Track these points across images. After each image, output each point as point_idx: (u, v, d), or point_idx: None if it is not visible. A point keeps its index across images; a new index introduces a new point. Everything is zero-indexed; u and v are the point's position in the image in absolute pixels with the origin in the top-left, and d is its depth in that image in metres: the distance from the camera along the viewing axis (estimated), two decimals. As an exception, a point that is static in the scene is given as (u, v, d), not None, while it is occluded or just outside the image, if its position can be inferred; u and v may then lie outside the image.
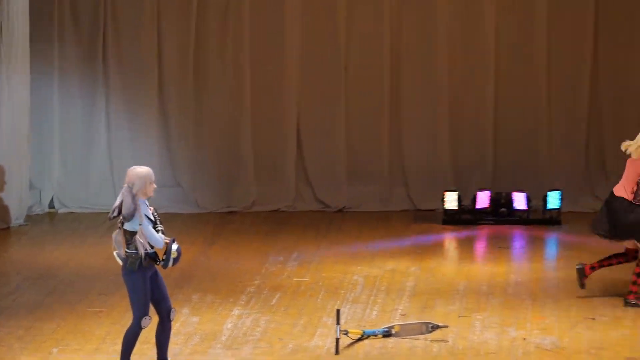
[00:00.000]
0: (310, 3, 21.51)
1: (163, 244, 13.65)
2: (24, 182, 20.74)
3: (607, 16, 21.69)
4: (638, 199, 16.53)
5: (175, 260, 13.67)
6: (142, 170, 13.79)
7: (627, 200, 16.55)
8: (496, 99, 21.74)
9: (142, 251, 13.54)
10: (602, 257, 17.17)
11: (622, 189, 16.62)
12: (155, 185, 13.72)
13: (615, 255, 17.08)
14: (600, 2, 21.71)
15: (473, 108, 21.88)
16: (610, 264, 17.10)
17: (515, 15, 21.95)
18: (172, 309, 13.85)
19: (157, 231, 13.69)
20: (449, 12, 21.64)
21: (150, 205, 13.89)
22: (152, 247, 13.59)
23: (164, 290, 13.81)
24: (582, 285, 17.14)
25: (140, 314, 13.63)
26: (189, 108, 21.71)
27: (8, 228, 20.42)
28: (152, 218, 13.67)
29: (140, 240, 13.57)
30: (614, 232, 16.84)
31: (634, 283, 16.77)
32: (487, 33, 21.74)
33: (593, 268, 16.87)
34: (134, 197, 13.65)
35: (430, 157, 21.82)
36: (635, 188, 16.49)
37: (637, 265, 16.76)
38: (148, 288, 13.72)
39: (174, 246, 13.64)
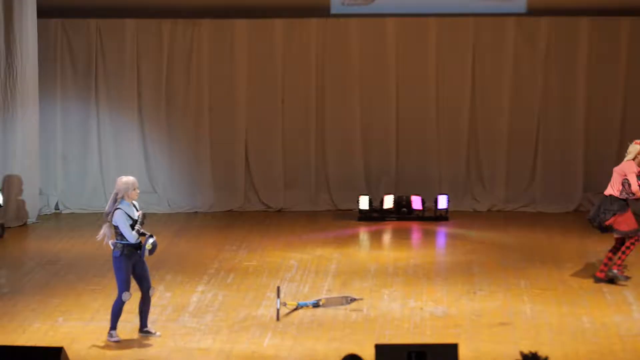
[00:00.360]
0: (254, 53, 21.66)
1: (134, 239, 14.16)
2: (35, 190, 20.87)
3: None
4: (622, 194, 16.75)
5: (151, 251, 14.21)
6: (127, 179, 14.40)
7: (613, 195, 16.80)
8: (397, 120, 21.85)
9: (135, 239, 14.25)
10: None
11: (611, 189, 16.90)
12: (138, 191, 14.41)
13: (610, 251, 17.17)
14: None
15: (380, 129, 21.92)
16: (610, 259, 17.02)
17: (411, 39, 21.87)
18: (152, 288, 14.50)
19: (134, 229, 14.16)
20: (359, 54, 21.81)
21: (141, 209, 14.53)
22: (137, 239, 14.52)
23: (146, 273, 14.41)
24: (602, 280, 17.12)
25: (121, 290, 14.22)
26: (162, 130, 21.81)
27: (24, 224, 20.67)
28: (135, 218, 14.51)
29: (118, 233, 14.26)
30: (602, 217, 17.00)
31: (605, 264, 17.03)
32: (389, 63, 21.87)
33: (602, 271, 16.99)
34: (115, 201, 14.36)
35: (347, 168, 21.94)
36: (620, 187, 16.78)
37: (610, 250, 17.09)
38: (129, 270, 14.25)
39: (150, 240, 14.21)
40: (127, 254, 14.32)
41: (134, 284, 14.56)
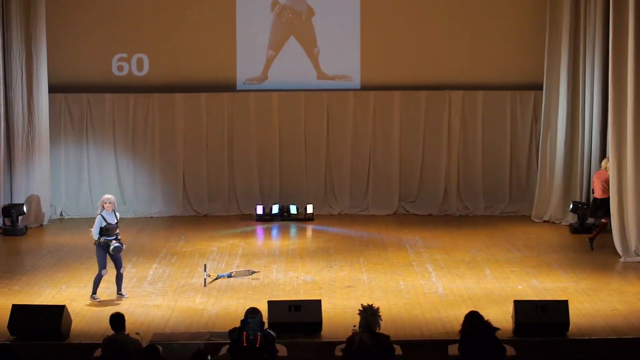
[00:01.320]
0: (188, 114, 21.18)
1: (94, 236, 14.22)
2: (47, 203, 20.46)
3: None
4: (607, 195, 16.82)
5: (113, 251, 14.24)
6: (104, 197, 14.58)
7: (602, 197, 17.00)
8: (280, 155, 21.32)
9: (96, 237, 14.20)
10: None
11: (599, 192, 17.05)
12: (110, 204, 14.38)
13: (596, 227, 17.61)
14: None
15: (270, 161, 21.33)
16: (599, 233, 17.32)
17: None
18: (122, 267, 14.48)
19: (103, 234, 14.18)
20: (255, 116, 21.32)
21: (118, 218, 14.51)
22: (108, 237, 14.32)
23: (119, 257, 14.42)
24: (592, 248, 17.25)
25: (99, 268, 14.23)
26: (129, 163, 21.19)
27: (40, 225, 20.24)
28: (113, 222, 14.38)
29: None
30: (596, 212, 17.31)
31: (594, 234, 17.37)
32: (274, 121, 21.38)
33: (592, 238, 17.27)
34: (100, 211, 14.33)
35: (248, 187, 21.38)
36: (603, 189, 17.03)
37: (598, 226, 17.57)
38: (104, 255, 14.27)
39: (113, 244, 14.18)
40: (102, 245, 14.31)
41: (110, 264, 14.41)
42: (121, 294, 14.61)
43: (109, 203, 14.39)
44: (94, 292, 14.44)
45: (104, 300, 14.42)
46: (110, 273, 14.72)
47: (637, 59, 16.30)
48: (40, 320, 12.54)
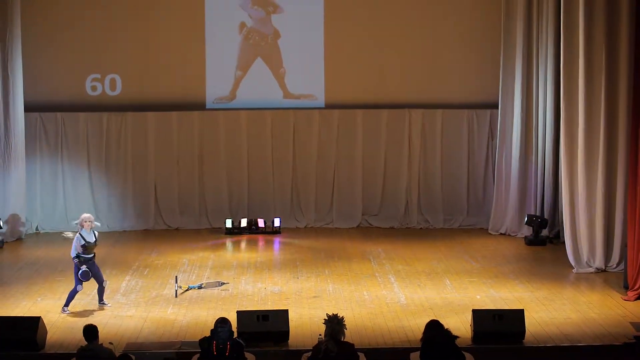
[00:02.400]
0: (160, 131, 21.10)
1: (72, 255, 14.09)
2: (23, 218, 20.29)
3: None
4: None
5: (80, 276, 14.09)
6: (82, 215, 14.51)
7: None
8: (248, 172, 21.30)
9: (73, 254, 14.07)
10: None
11: None
12: (88, 223, 14.38)
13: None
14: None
15: (238, 177, 21.28)
16: None
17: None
18: (104, 281, 14.49)
19: (81, 252, 14.06)
20: (224, 133, 21.30)
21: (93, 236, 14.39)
22: (86, 255, 14.25)
23: (99, 272, 14.36)
24: None
25: (76, 284, 14.14)
26: (102, 179, 21.05)
27: (17, 239, 20.05)
28: (91, 240, 14.32)
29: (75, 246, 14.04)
30: None
31: None
32: (242, 138, 21.31)
33: None
34: (79, 230, 14.24)
35: (218, 202, 21.31)
36: None
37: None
38: (80, 271, 14.10)
39: (82, 269, 14.09)
40: (82, 261, 14.17)
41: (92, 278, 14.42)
42: (103, 303, 14.64)
43: (88, 222, 14.34)
44: (67, 304, 14.36)
45: (78, 312, 14.29)
46: (89, 286, 14.68)
47: (586, 80, 16.47)
48: (16, 331, 12.44)
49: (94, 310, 14.40)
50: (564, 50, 16.88)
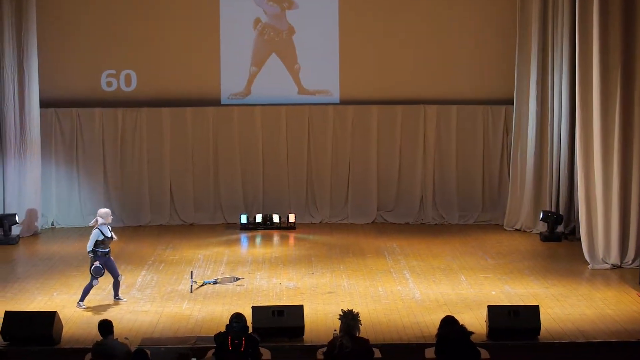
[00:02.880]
0: (175, 128, 21.16)
1: (88, 249, 14.14)
2: (39, 213, 20.36)
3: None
4: None
5: (92, 272, 14.12)
6: (102, 210, 14.53)
7: None
8: (263, 167, 21.34)
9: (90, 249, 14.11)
10: None
11: None
12: (111, 217, 14.47)
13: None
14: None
15: (253, 172, 21.32)
16: None
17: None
18: (120, 275, 14.51)
19: (98, 248, 14.12)
20: (238, 129, 21.37)
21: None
22: (103, 249, 14.31)
23: (115, 267, 14.37)
24: None
25: (91, 278, 14.16)
26: (117, 175, 21.12)
27: (33, 235, 20.08)
28: (108, 235, 14.37)
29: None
30: None
31: None
32: (257, 135, 21.34)
33: None
34: (95, 224, 14.28)
35: (233, 197, 21.34)
36: None
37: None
38: (93, 266, 14.12)
39: (94, 264, 14.09)
40: (97, 256, 14.22)
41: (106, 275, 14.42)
42: (119, 298, 14.65)
43: (109, 216, 14.47)
44: (82, 299, 14.38)
45: (94, 307, 14.31)
46: (104, 281, 14.71)
47: (602, 75, 16.39)
48: (33, 326, 12.47)
49: (109, 305, 14.39)
50: (580, 45, 16.81)
